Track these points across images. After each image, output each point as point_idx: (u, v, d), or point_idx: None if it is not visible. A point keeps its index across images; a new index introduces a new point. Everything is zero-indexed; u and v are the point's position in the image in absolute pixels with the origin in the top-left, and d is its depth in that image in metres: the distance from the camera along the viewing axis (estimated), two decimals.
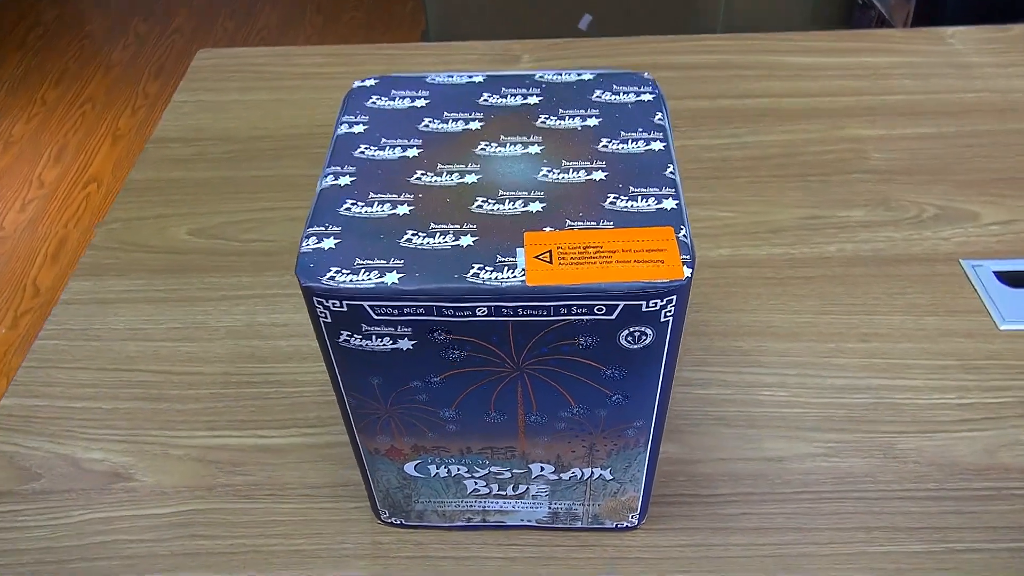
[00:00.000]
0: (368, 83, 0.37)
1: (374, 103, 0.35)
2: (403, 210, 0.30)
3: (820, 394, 0.45)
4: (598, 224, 0.29)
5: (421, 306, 0.28)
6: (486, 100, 0.35)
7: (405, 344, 0.29)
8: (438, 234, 0.29)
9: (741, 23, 0.91)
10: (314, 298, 0.28)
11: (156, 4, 2.24)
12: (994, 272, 0.50)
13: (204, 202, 0.60)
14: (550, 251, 0.28)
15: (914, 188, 0.58)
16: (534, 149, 0.33)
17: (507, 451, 0.34)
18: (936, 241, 0.54)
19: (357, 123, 0.34)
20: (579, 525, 0.39)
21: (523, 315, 0.28)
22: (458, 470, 0.36)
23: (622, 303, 0.27)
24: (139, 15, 2.20)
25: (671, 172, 0.31)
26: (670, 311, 0.28)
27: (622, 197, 0.30)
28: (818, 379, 0.46)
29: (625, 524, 0.39)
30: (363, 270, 0.28)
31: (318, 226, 0.30)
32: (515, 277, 0.27)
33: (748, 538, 0.39)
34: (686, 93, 0.68)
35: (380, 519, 0.40)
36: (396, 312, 0.28)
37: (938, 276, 0.52)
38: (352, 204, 0.31)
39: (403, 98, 0.36)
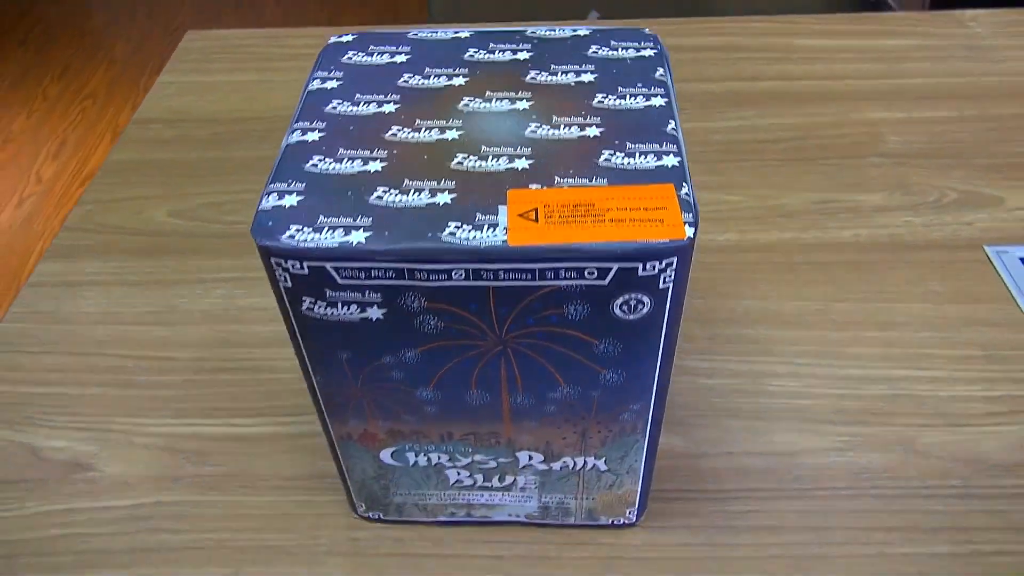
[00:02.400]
0: (345, 39, 0.34)
1: (350, 59, 0.33)
2: (375, 166, 0.27)
3: (834, 384, 0.42)
4: (590, 181, 0.26)
5: (391, 268, 0.25)
6: (472, 56, 0.32)
7: (375, 313, 0.26)
8: (412, 191, 0.26)
9: (753, 11, 0.88)
10: (271, 259, 0.25)
11: None
12: (1021, 259, 0.47)
13: (185, 184, 0.57)
14: (536, 209, 0.25)
15: (933, 172, 0.55)
16: (522, 104, 0.30)
17: (491, 437, 0.31)
18: (957, 227, 0.51)
19: (330, 79, 0.32)
20: (572, 521, 0.36)
21: (505, 279, 0.25)
22: (439, 458, 0.33)
23: (616, 266, 0.24)
24: (142, 10, 2.19)
25: (672, 128, 0.28)
26: (670, 276, 0.25)
27: (618, 153, 0.27)
28: (832, 369, 0.43)
29: (622, 520, 0.36)
30: (327, 228, 0.25)
31: (280, 182, 0.27)
32: (496, 236, 0.24)
33: (757, 537, 0.36)
34: (693, 76, 0.65)
35: (357, 513, 0.37)
36: (363, 275, 0.25)
37: (960, 263, 0.48)
38: (319, 160, 0.28)
39: (381, 54, 0.33)
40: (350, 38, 0.34)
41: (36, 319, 0.48)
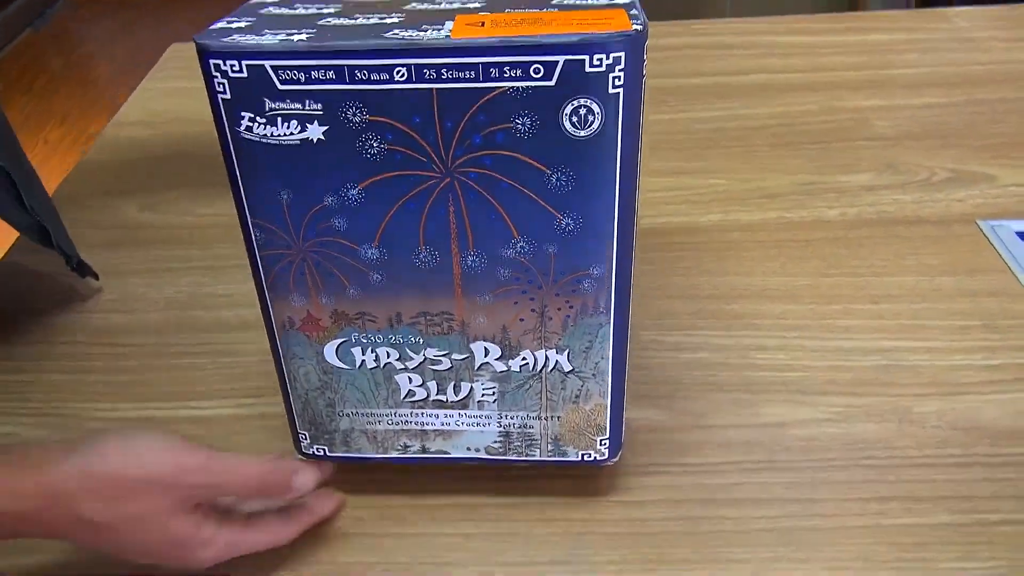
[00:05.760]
0: None
1: None
2: (329, 10, 0.27)
3: (824, 357, 0.39)
4: (541, 11, 0.26)
5: (332, 68, 0.24)
6: None
7: (316, 131, 0.25)
8: (362, 18, 0.26)
9: (749, 14, 0.89)
10: (210, 61, 0.24)
11: (161, 51, 2.32)
12: (1016, 232, 0.45)
13: (158, 179, 0.57)
14: (483, 22, 0.25)
15: (923, 152, 0.54)
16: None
17: (443, 319, 0.29)
18: (949, 203, 0.49)
19: None
20: (537, 456, 0.32)
21: (448, 79, 0.24)
22: (388, 356, 0.30)
23: (562, 59, 0.23)
24: (144, 63, 2.26)
25: None
26: (619, 78, 0.24)
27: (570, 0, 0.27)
28: (821, 342, 0.40)
29: (593, 456, 0.32)
30: (270, 34, 0.24)
31: (232, 18, 0.27)
32: (440, 35, 0.24)
33: (742, 510, 0.32)
34: (678, 71, 0.66)
35: (300, 450, 0.33)
36: (304, 78, 0.24)
37: (953, 237, 0.46)
38: (274, 8, 0.28)
39: None
40: None
41: None
